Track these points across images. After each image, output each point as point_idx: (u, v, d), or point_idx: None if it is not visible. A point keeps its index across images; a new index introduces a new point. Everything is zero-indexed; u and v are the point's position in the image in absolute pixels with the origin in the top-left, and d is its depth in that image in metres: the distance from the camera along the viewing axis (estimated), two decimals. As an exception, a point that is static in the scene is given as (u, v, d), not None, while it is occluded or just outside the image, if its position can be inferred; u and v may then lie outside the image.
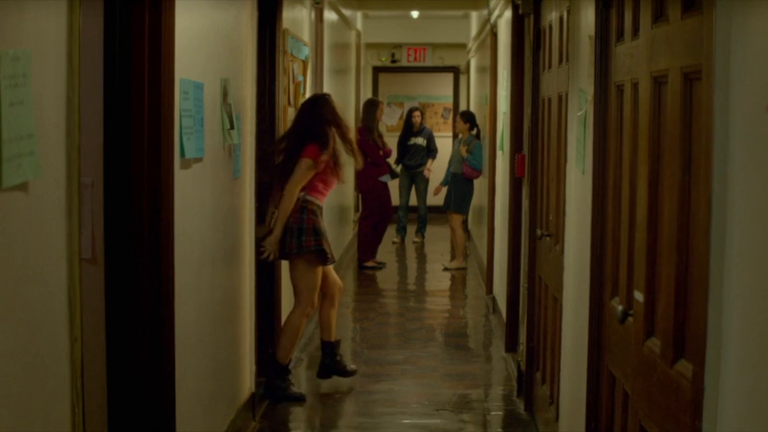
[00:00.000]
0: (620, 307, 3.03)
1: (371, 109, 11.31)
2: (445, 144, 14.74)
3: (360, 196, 11.89)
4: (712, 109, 2.14)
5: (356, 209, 13.79)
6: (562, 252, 4.53)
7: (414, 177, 12.86)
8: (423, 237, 13.50)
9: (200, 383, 4.51)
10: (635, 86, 3.00)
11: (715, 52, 2.12)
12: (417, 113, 13.02)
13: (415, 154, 12.74)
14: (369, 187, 11.24)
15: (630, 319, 2.97)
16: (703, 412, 2.18)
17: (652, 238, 2.75)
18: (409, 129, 12.79)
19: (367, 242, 11.30)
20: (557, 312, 4.69)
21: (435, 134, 13.68)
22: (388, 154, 11.46)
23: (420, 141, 12.78)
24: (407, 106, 14.26)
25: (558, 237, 4.72)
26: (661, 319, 2.64)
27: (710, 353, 2.15)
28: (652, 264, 2.75)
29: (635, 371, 2.90)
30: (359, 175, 11.40)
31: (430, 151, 12.95)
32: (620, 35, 3.27)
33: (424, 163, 12.83)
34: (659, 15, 2.72)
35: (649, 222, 2.78)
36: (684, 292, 2.45)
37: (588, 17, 3.80)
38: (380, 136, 11.37)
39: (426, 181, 12.93)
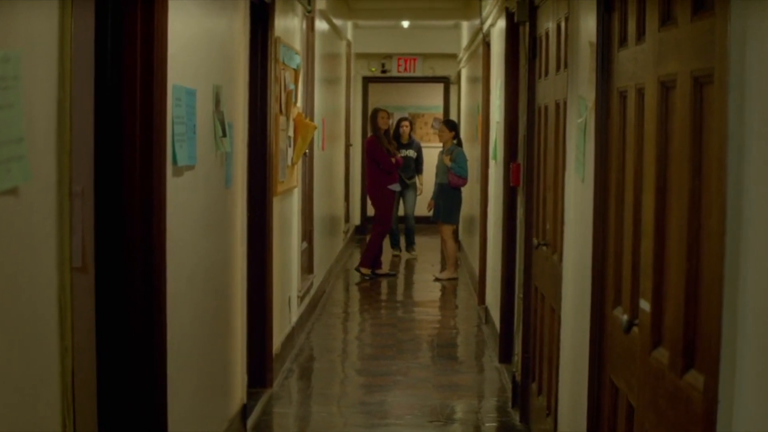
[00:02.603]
0: (625, 317, 2.96)
1: (372, 117, 11.53)
2: (434, 154, 14.64)
3: (372, 204, 11.82)
4: (726, 112, 2.07)
5: (346, 219, 13.72)
6: (560, 261, 4.46)
7: (404, 189, 12.56)
8: (414, 249, 13.20)
9: (192, 394, 4.44)
10: (640, 91, 2.94)
11: (729, 54, 2.06)
12: (406, 123, 12.60)
13: (406, 166, 12.37)
14: (378, 195, 11.24)
15: (635, 329, 2.91)
16: (717, 424, 2.11)
17: (660, 245, 2.69)
18: (397, 140, 12.36)
19: (374, 250, 11.25)
20: (554, 322, 4.63)
21: (425, 145, 13.59)
22: (399, 163, 11.44)
23: (411, 153, 12.46)
24: (397, 117, 14.03)
25: (556, 246, 4.65)
26: (669, 329, 2.58)
27: (725, 363, 2.08)
28: (660, 272, 2.68)
29: (641, 382, 2.83)
30: (371, 182, 11.44)
31: (419, 164, 12.64)
32: (623, 40, 3.21)
33: (415, 176, 12.60)
34: (666, 18, 2.66)
35: (656, 229, 2.71)
36: (694, 301, 2.38)
37: (588, 23, 3.75)
38: (391, 144, 11.35)
39: (416, 193, 12.69)
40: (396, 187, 11.38)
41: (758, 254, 1.98)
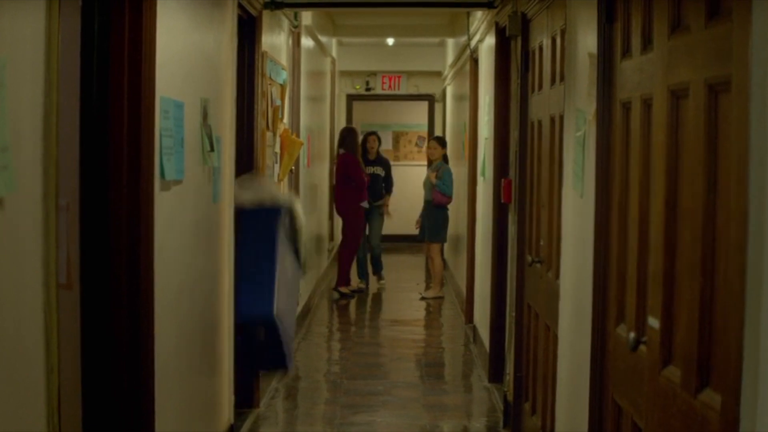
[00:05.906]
0: (632, 335, 2.86)
1: (355, 136, 11.24)
2: (418, 172, 14.54)
3: (343, 221, 11.50)
4: (747, 120, 1.99)
5: (330, 238, 13.57)
6: (556, 278, 4.37)
7: (370, 212, 11.36)
8: (383, 277, 11.81)
9: (179, 414, 4.31)
10: (646, 102, 2.86)
11: (750, 59, 1.98)
12: (373, 138, 11.69)
13: (373, 185, 11.38)
14: (351, 212, 11.08)
15: (643, 347, 2.81)
16: (738, 446, 2.02)
17: (669, 260, 2.60)
18: (364, 156, 11.47)
19: (348, 269, 11.13)
20: (550, 340, 4.53)
21: (409, 163, 13.21)
22: (368, 181, 11.23)
23: (378, 171, 11.59)
24: (382, 136, 13.66)
25: (551, 263, 4.56)
26: (681, 346, 2.48)
27: (746, 382, 1.99)
28: (670, 288, 2.59)
29: (650, 402, 2.74)
30: (343, 200, 11.09)
31: (387, 184, 11.69)
32: (626, 51, 3.13)
33: (383, 197, 11.61)
34: (677, 25, 2.58)
35: (666, 243, 2.62)
36: (709, 317, 2.29)
37: (587, 35, 3.67)
38: (360, 163, 11.20)
39: (382, 217, 11.60)
40: (365, 204, 11.10)
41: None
